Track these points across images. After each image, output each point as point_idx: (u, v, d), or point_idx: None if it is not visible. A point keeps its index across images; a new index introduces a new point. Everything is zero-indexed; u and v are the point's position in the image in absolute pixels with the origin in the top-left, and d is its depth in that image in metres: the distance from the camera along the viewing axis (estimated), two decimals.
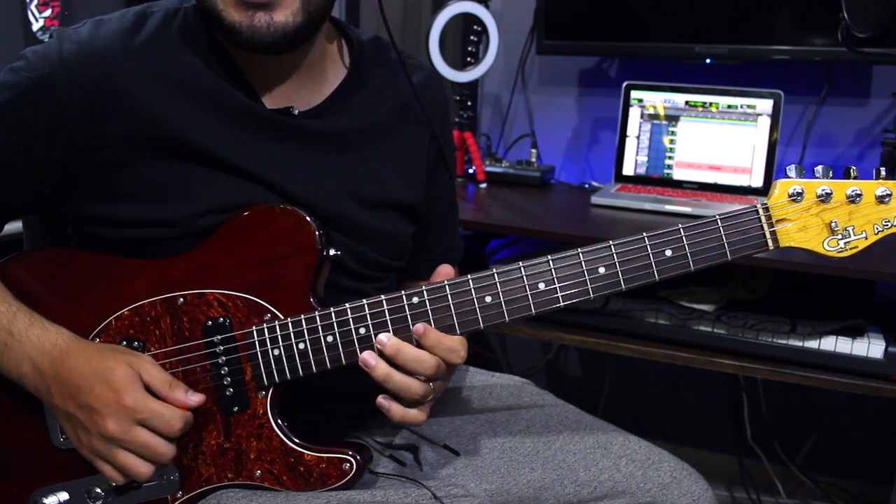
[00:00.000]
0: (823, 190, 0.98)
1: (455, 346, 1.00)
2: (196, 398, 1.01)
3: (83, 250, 1.09)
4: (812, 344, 1.55)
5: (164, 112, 1.03)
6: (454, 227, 1.40)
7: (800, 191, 0.98)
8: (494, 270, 1.00)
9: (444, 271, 1.06)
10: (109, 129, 1.02)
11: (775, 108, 1.91)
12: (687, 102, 2.00)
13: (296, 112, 1.11)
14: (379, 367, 0.99)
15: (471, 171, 2.21)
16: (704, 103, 1.98)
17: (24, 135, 1.02)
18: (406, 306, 1.01)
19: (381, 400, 1.01)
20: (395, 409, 1.01)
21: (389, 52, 1.23)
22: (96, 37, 1.04)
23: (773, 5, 1.93)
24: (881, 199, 0.97)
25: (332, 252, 1.06)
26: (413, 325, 1.00)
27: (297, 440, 1.05)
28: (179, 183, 1.05)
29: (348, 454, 1.04)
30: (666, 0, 2.05)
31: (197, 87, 1.06)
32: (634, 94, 2.05)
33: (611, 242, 1.00)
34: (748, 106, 1.93)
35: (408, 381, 0.99)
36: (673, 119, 2.01)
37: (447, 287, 1.01)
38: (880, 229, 0.98)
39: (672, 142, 2.01)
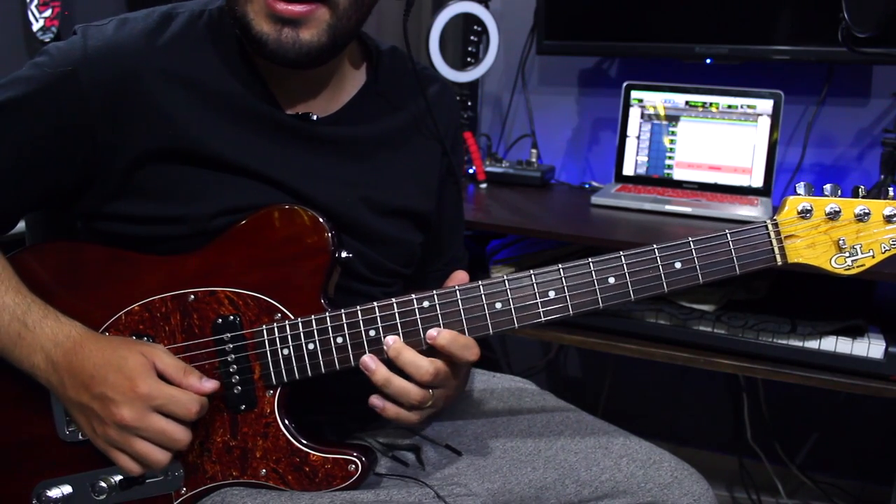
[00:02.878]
0: (832, 208, 0.99)
1: (469, 343, 1.01)
2: (210, 384, 1.01)
3: (95, 244, 1.09)
4: (812, 344, 1.55)
5: (183, 117, 1.04)
6: (460, 238, 1.41)
7: (809, 208, 1.00)
8: (505, 277, 1.01)
9: (459, 276, 1.06)
10: (130, 129, 1.03)
11: (775, 108, 1.92)
12: (687, 102, 2.00)
13: (314, 118, 1.12)
14: (379, 372, 1.00)
15: (471, 171, 2.21)
16: (704, 103, 1.98)
17: (45, 130, 1.02)
18: (416, 310, 1.02)
19: (375, 400, 1.02)
20: (390, 409, 1.03)
21: (406, 62, 1.24)
22: (121, 35, 1.04)
23: (773, 5, 1.93)
24: (889, 219, 0.99)
25: (343, 254, 1.07)
26: (423, 328, 1.01)
27: (303, 440, 1.05)
28: (195, 184, 1.06)
29: (354, 455, 1.05)
30: (666, 0, 2.05)
31: (217, 91, 1.06)
32: (634, 94, 2.05)
33: (621, 254, 1.01)
34: (748, 106, 1.94)
35: (407, 386, 1.00)
36: (673, 119, 2.02)
37: (458, 292, 1.01)
38: (887, 248, 1.00)
39: (672, 142, 2.02)
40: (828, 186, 1.01)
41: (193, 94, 1.05)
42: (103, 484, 1.05)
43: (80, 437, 1.05)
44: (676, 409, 2.44)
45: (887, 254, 1.00)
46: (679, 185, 2.02)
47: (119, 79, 1.02)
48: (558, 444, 1.20)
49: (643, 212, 1.85)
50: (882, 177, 1.81)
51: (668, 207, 1.83)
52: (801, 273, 1.49)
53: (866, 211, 0.99)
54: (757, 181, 1.94)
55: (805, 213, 1.00)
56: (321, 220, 1.05)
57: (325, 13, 1.00)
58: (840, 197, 1.00)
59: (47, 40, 1.94)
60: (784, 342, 1.57)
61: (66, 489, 1.06)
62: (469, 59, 2.26)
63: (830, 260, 1.01)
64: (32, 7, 1.93)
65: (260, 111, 1.09)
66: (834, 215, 0.99)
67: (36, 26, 1.94)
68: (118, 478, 1.05)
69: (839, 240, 1.00)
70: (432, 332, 1.00)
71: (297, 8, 0.98)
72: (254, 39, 1.00)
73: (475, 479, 1.15)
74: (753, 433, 2.27)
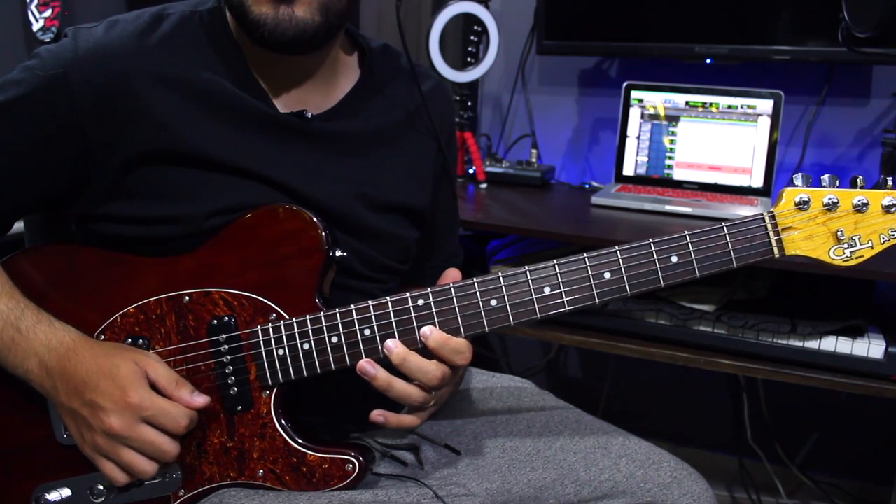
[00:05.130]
0: (830, 199, 0.98)
1: (460, 347, 1.01)
2: (201, 399, 1.01)
3: (90, 247, 1.09)
4: (812, 344, 1.55)
5: (175, 119, 1.04)
6: (455, 236, 1.42)
7: (806, 199, 0.99)
8: (500, 274, 1.01)
9: (452, 274, 1.06)
10: (121, 132, 1.03)
11: (775, 108, 1.92)
12: (687, 102, 2.00)
13: (308, 115, 1.12)
14: (380, 377, 1.00)
15: (471, 171, 2.21)
16: (704, 103, 1.98)
17: (37, 133, 1.02)
18: (411, 308, 1.01)
19: (376, 416, 1.03)
20: (391, 419, 1.04)
21: (399, 59, 1.24)
22: (111, 37, 1.04)
23: (773, 5, 1.93)
24: (888, 209, 0.98)
25: (338, 253, 1.06)
26: (418, 326, 1.01)
27: (300, 440, 1.05)
28: (189, 186, 1.06)
29: (351, 455, 1.05)
30: (666, 0, 2.05)
31: (209, 91, 1.06)
32: (634, 94, 2.05)
33: (617, 248, 1.00)
34: (748, 106, 1.94)
35: (409, 389, 1.01)
36: (673, 119, 2.02)
37: (452, 290, 1.01)
38: (886, 239, 0.99)
39: (672, 142, 2.02)
40: (826, 177, 1.00)
41: (185, 95, 1.05)
42: (101, 487, 1.05)
43: None
44: (676, 409, 2.44)
45: (886, 244, 0.99)
46: (679, 185, 2.02)
47: (110, 81, 1.02)
48: (557, 443, 1.20)
49: (643, 212, 1.84)
50: (882, 177, 1.81)
51: (668, 207, 1.82)
52: (801, 273, 1.51)
53: (865, 201, 0.98)
54: (757, 181, 1.94)
55: (802, 205, 0.99)
56: (315, 219, 1.05)
57: None
58: (838, 188, 0.99)
59: (47, 40, 1.94)
60: (784, 342, 1.57)
61: (65, 492, 1.06)
62: (469, 59, 2.26)
63: (829, 251, 1.00)
64: (32, 7, 1.94)
65: (253, 110, 1.09)
66: (832, 206, 0.98)
67: (36, 26, 1.94)
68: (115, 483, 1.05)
69: (837, 231, 0.99)
70: (425, 330, 1.00)
71: None
72: (252, 23, 1.01)
73: (474, 479, 1.15)
74: (753, 433, 2.27)
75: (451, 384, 1.09)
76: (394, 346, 1.00)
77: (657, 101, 2.03)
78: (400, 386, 1.00)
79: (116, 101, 1.02)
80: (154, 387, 0.99)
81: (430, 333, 1.00)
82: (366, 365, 1.00)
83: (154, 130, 1.03)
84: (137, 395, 0.96)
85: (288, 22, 1.00)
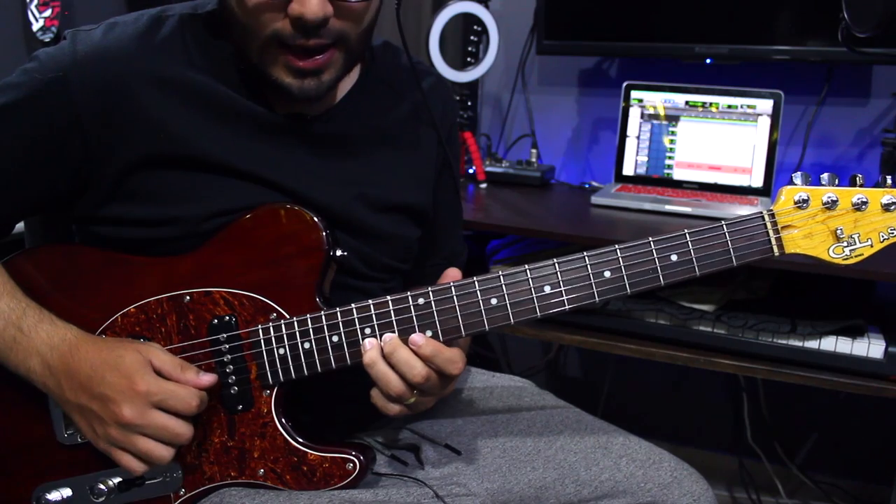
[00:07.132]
0: (829, 197, 0.98)
1: (454, 357, 1.00)
2: (207, 378, 1.01)
3: (90, 247, 1.09)
4: (812, 344, 1.55)
5: (174, 122, 1.04)
6: (458, 232, 1.41)
7: (805, 198, 0.99)
8: (500, 273, 1.01)
9: (452, 274, 1.05)
10: (120, 135, 1.03)
11: (775, 108, 1.92)
12: (687, 102, 2.00)
13: (308, 117, 1.12)
14: (369, 354, 1.00)
15: (471, 171, 2.21)
16: (704, 103, 1.98)
17: (37, 136, 1.02)
18: (412, 307, 1.01)
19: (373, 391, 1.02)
20: (375, 395, 1.02)
21: (399, 57, 1.24)
22: (110, 39, 1.04)
23: (773, 5, 1.93)
24: (887, 208, 0.98)
25: (338, 253, 1.06)
26: (418, 325, 1.01)
27: (300, 440, 1.05)
28: (187, 188, 1.06)
29: (352, 454, 1.05)
30: (666, 0, 2.05)
31: (208, 94, 1.06)
32: (634, 94, 2.05)
33: (616, 247, 1.00)
34: (748, 106, 1.94)
35: (389, 374, 0.99)
36: (673, 119, 2.01)
37: (453, 289, 1.01)
38: (886, 237, 0.99)
39: (672, 142, 2.02)
40: (825, 176, 1.00)
41: (184, 98, 1.05)
42: (102, 486, 1.05)
43: (79, 439, 1.05)
44: (676, 409, 2.44)
45: (886, 242, 0.99)
46: (679, 185, 2.01)
47: (109, 84, 1.02)
48: (558, 443, 1.20)
49: (643, 212, 1.84)
50: (882, 176, 1.81)
51: (668, 207, 1.82)
52: (801, 273, 1.51)
53: (864, 200, 0.98)
54: (757, 181, 1.94)
55: (802, 203, 0.99)
56: (315, 218, 1.05)
57: (340, 55, 1.03)
58: (837, 186, 0.99)
59: (47, 40, 1.94)
60: (784, 342, 1.57)
61: (66, 492, 1.06)
62: (469, 59, 2.26)
63: (828, 250, 1.00)
64: (32, 7, 1.94)
65: (252, 112, 1.08)
66: (831, 205, 0.98)
67: (36, 26, 1.94)
68: (117, 480, 1.05)
69: (837, 229, 0.99)
70: (416, 338, 0.99)
71: (318, 58, 1.00)
72: (276, 86, 1.03)
73: (474, 479, 1.15)
74: (753, 433, 2.27)
75: (438, 393, 1.07)
76: (388, 339, 1.00)
77: (657, 100, 2.03)
78: (381, 366, 0.99)
79: (115, 104, 1.02)
80: (159, 374, 0.99)
81: (423, 343, 0.99)
82: (367, 341, 1.00)
83: (153, 133, 1.03)
84: (145, 382, 0.97)
85: (314, 90, 1.03)
